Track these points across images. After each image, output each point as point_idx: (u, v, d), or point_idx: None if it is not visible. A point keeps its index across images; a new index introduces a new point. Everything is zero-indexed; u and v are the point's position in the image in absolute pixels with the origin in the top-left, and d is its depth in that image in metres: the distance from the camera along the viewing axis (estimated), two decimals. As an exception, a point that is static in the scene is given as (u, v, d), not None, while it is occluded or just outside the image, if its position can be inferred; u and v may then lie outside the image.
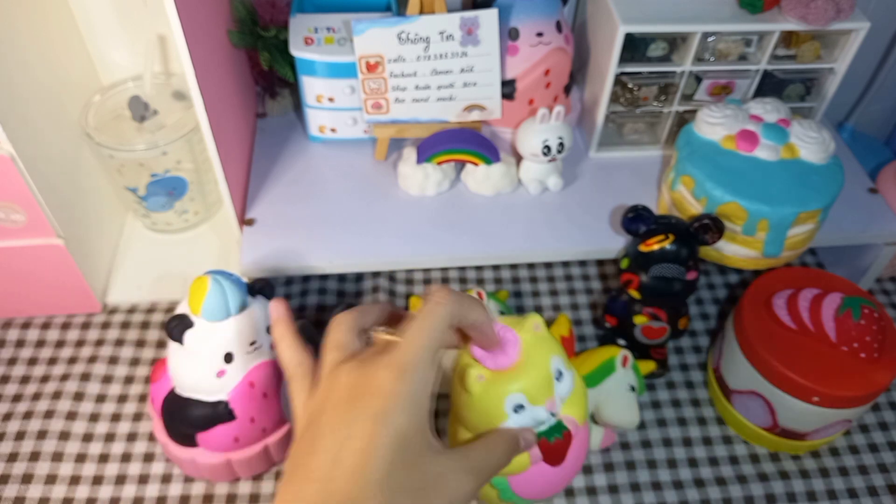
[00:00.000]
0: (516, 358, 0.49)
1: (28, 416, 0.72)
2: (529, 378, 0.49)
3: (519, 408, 0.49)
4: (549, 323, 0.77)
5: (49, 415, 0.72)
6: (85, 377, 0.75)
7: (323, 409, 0.37)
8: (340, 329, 0.41)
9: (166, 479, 0.68)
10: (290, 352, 0.43)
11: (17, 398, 0.74)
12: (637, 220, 0.67)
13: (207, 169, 0.82)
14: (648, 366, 0.72)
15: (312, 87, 0.77)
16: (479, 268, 0.88)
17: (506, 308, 0.77)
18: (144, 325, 0.80)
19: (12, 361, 0.77)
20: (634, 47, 0.74)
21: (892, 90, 0.98)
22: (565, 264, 0.89)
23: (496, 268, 0.88)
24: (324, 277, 0.86)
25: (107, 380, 0.75)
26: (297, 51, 0.73)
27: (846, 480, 0.70)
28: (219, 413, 0.61)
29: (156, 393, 0.65)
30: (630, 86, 0.77)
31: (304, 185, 0.79)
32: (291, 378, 0.42)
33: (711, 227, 0.66)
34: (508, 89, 0.77)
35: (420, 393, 0.36)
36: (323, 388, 0.38)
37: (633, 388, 0.68)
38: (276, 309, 0.46)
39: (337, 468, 0.34)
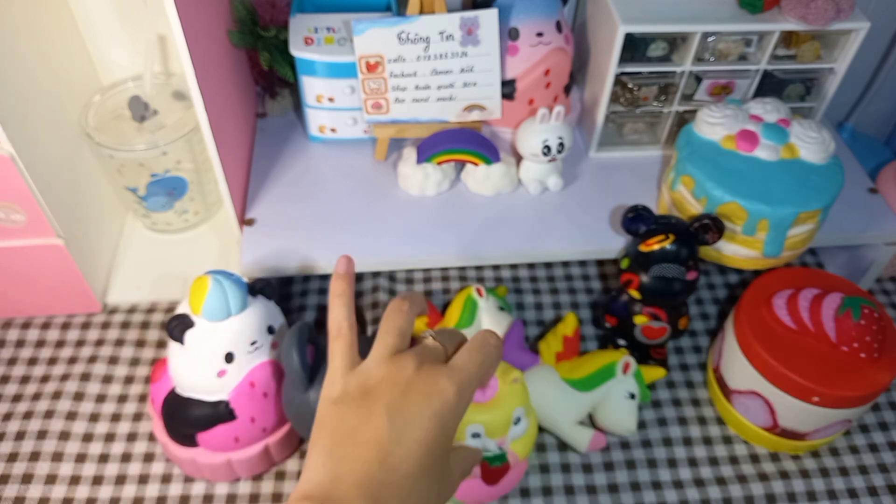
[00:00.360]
0: (490, 397, 0.63)
1: (28, 416, 0.72)
2: (492, 417, 0.62)
3: (475, 435, 0.62)
4: (555, 322, 0.77)
5: (49, 415, 0.72)
6: (85, 377, 0.75)
7: (381, 386, 0.38)
8: (402, 317, 0.43)
9: (166, 479, 0.68)
10: (346, 311, 0.44)
11: (17, 398, 0.74)
12: (637, 220, 0.67)
13: (207, 169, 0.82)
14: (654, 373, 0.72)
15: (312, 87, 0.77)
16: (479, 268, 0.88)
17: (505, 304, 0.77)
18: (144, 325, 0.80)
19: (12, 361, 0.77)
20: (634, 47, 0.74)
21: (892, 90, 0.98)
22: (565, 264, 0.89)
23: (496, 267, 0.88)
24: (324, 277, 0.86)
25: (107, 380, 0.75)
26: (297, 51, 0.73)
27: (846, 480, 0.70)
28: (219, 413, 0.61)
29: (156, 393, 0.65)
30: (630, 86, 0.77)
31: (304, 185, 0.79)
32: (337, 336, 0.42)
33: (711, 227, 0.66)
34: (508, 89, 0.77)
35: (463, 412, 0.39)
36: (384, 368, 0.39)
37: (632, 396, 0.68)
38: (342, 264, 0.47)
39: (399, 447, 0.36)
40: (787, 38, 0.76)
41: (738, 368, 0.69)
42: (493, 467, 0.63)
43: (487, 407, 0.63)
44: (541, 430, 0.71)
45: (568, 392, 0.68)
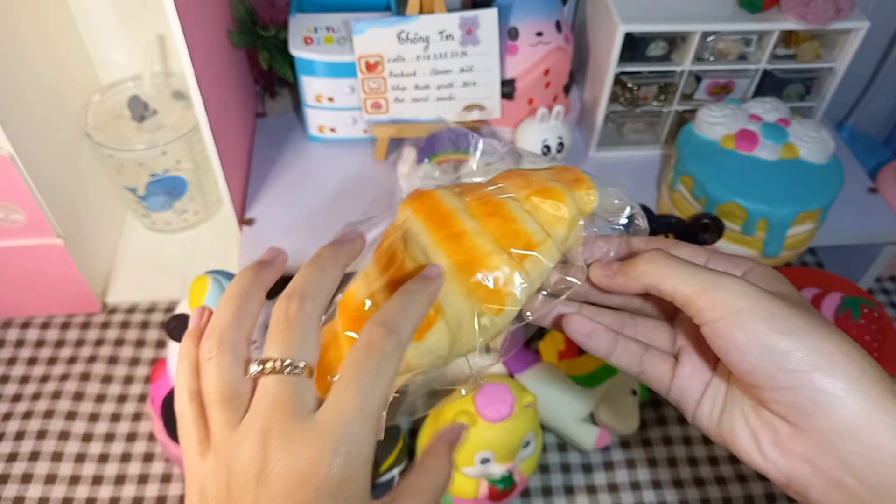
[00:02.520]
0: (506, 417, 0.60)
1: (28, 415, 0.72)
2: (503, 441, 0.60)
3: (485, 461, 0.61)
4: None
5: (49, 415, 0.72)
6: (84, 377, 0.75)
7: (226, 491, 0.27)
8: (219, 366, 0.29)
9: (166, 479, 0.68)
10: (190, 374, 0.30)
11: (16, 398, 0.74)
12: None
13: (207, 169, 0.82)
14: None
15: (312, 87, 0.77)
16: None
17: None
18: (144, 325, 0.80)
19: (12, 361, 0.77)
20: (634, 47, 0.74)
21: (891, 90, 0.98)
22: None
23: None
24: (323, 277, 0.86)
25: (106, 380, 0.75)
26: (297, 50, 0.73)
27: (846, 480, 0.70)
28: (219, 413, 0.61)
29: (156, 393, 0.65)
30: (630, 85, 0.77)
31: (304, 184, 0.79)
32: (179, 413, 0.30)
33: (711, 226, 0.66)
34: (508, 89, 0.77)
35: (362, 476, 0.27)
36: (215, 466, 0.27)
37: (634, 392, 0.69)
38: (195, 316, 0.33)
39: None
40: (787, 38, 0.76)
41: (737, 368, 0.69)
42: (502, 490, 0.63)
43: (498, 429, 0.60)
44: (543, 428, 0.71)
45: (573, 388, 0.68)
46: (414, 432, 0.70)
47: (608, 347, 0.34)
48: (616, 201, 0.36)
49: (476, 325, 0.32)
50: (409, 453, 0.68)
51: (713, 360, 0.33)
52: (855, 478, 0.27)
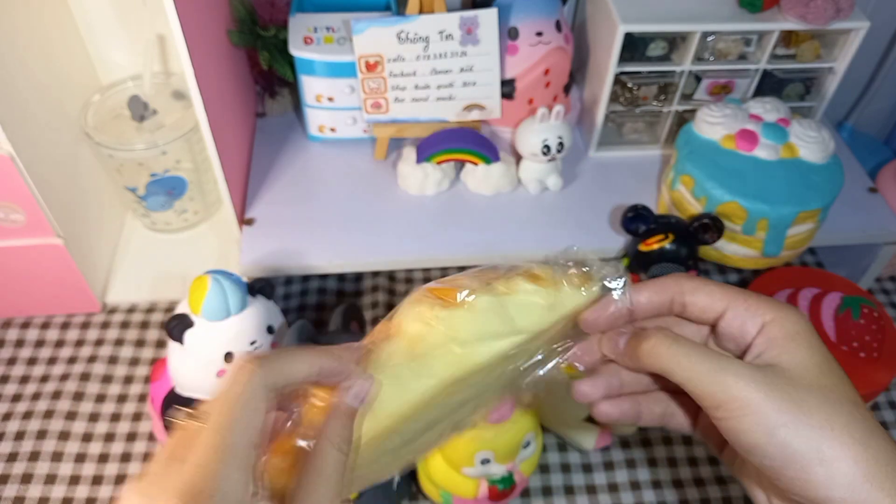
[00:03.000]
0: (506, 417, 0.60)
1: (28, 416, 0.72)
2: (503, 442, 0.60)
3: (485, 461, 0.61)
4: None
5: (49, 415, 0.72)
6: (84, 377, 0.75)
7: None
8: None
9: (166, 478, 0.68)
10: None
11: (16, 398, 0.74)
12: (637, 220, 0.67)
13: (207, 168, 0.82)
14: None
15: (312, 87, 0.77)
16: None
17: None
18: (144, 325, 0.80)
19: (12, 361, 0.77)
20: (634, 47, 0.74)
21: (891, 90, 0.98)
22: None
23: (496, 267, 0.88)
24: (323, 277, 0.86)
25: (106, 380, 0.75)
26: (297, 50, 0.73)
27: (846, 480, 0.70)
28: (218, 413, 0.61)
29: (156, 393, 0.65)
30: (630, 85, 0.77)
31: (304, 184, 0.79)
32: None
33: (711, 226, 0.66)
34: (508, 89, 0.77)
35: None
36: None
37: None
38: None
39: None
40: (787, 38, 0.76)
41: (737, 368, 0.69)
42: (502, 490, 0.64)
43: (499, 432, 0.61)
44: (543, 428, 0.71)
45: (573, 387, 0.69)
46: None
47: (634, 419, 0.36)
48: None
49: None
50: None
51: None
52: None
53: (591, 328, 0.35)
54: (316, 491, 0.30)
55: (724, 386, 0.29)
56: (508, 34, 0.75)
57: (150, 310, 0.82)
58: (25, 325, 0.80)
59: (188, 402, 0.62)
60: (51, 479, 0.67)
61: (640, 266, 0.68)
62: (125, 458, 0.69)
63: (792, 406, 0.28)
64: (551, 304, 0.33)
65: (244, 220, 0.74)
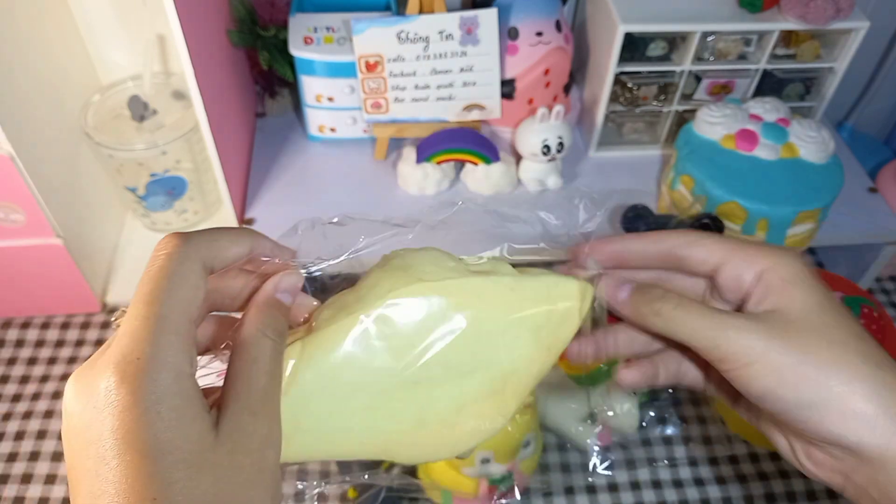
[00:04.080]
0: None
1: (28, 415, 0.72)
2: (502, 441, 0.60)
3: (485, 461, 0.61)
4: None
5: (48, 414, 0.72)
6: (84, 377, 0.75)
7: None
8: None
9: (166, 478, 0.68)
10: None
11: (16, 398, 0.74)
12: (636, 220, 0.67)
13: (207, 168, 0.82)
14: None
15: (312, 87, 0.77)
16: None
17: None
18: (144, 325, 0.80)
19: (12, 361, 0.77)
20: (634, 47, 0.74)
21: (891, 90, 0.98)
22: (564, 263, 0.89)
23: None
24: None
25: (106, 379, 0.75)
26: (297, 50, 0.73)
27: (846, 480, 0.70)
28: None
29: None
30: (629, 85, 0.77)
31: (304, 184, 0.79)
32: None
33: (711, 226, 0.66)
34: (508, 89, 0.77)
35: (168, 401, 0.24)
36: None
37: (634, 392, 0.69)
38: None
39: None
40: (787, 38, 0.76)
41: (737, 368, 0.69)
42: (502, 490, 0.64)
43: (499, 431, 0.61)
44: (543, 428, 0.71)
45: (573, 388, 0.69)
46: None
47: (652, 382, 0.36)
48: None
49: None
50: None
51: None
52: (886, 498, 0.28)
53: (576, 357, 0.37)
54: (255, 379, 0.27)
55: (726, 339, 0.29)
56: (508, 34, 0.75)
57: (150, 310, 0.82)
58: (25, 325, 0.80)
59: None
60: (51, 480, 0.67)
61: (640, 266, 0.68)
62: (125, 458, 0.69)
63: (795, 348, 0.28)
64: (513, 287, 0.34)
65: (244, 220, 0.74)
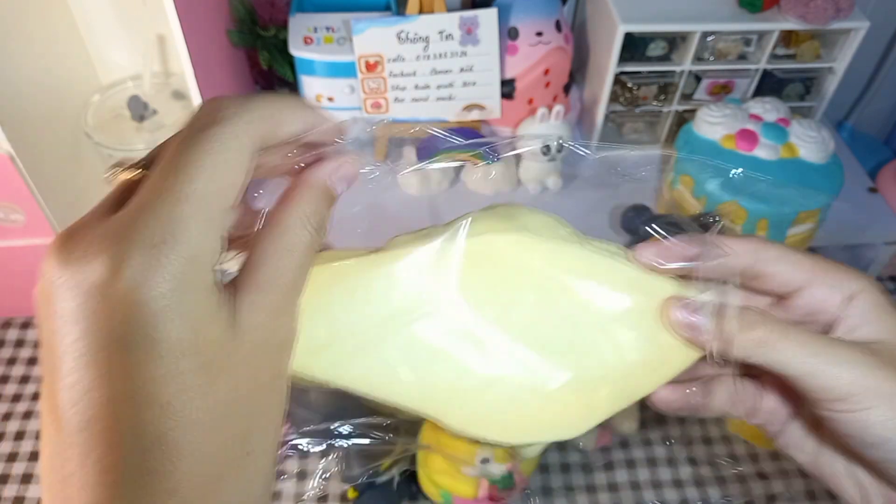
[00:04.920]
0: None
1: (28, 415, 0.72)
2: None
3: (485, 461, 0.60)
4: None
5: (49, 414, 0.72)
6: (84, 377, 0.75)
7: None
8: None
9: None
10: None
11: (16, 398, 0.74)
12: (636, 220, 0.67)
13: (207, 169, 0.82)
14: None
15: (312, 87, 0.77)
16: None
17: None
18: (144, 325, 0.80)
19: (12, 361, 0.77)
20: (634, 47, 0.74)
21: (891, 90, 0.98)
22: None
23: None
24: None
25: (106, 379, 0.75)
26: (297, 50, 0.73)
27: (846, 480, 0.70)
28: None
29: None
30: (629, 85, 0.77)
31: (304, 184, 0.79)
32: None
33: (711, 226, 0.66)
34: (508, 89, 0.77)
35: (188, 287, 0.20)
36: None
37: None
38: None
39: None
40: (787, 38, 0.76)
41: (737, 368, 0.69)
42: (502, 490, 0.64)
43: None
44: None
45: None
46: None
47: (695, 411, 0.31)
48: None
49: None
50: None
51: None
52: None
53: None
54: (284, 272, 0.23)
55: (852, 376, 0.25)
56: (508, 34, 0.75)
57: (150, 310, 0.82)
58: (25, 326, 0.80)
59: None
60: (51, 479, 0.68)
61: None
62: (125, 458, 0.70)
63: None
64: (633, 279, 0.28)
65: (244, 220, 0.74)
